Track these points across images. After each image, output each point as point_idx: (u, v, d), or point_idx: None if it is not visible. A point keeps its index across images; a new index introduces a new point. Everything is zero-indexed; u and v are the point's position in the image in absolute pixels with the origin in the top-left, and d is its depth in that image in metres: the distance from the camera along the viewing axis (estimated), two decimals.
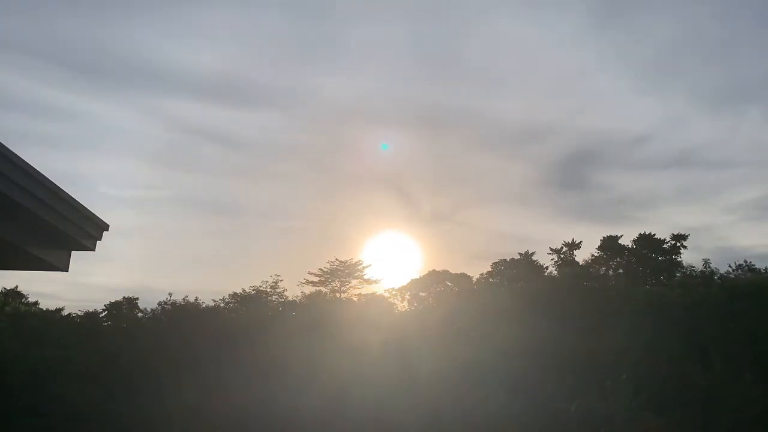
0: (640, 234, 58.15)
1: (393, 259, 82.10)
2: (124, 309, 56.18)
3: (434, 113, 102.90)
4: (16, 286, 55.84)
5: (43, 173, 5.48)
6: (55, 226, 5.93)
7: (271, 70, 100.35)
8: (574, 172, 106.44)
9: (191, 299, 51.55)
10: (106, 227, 6.74)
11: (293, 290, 68.92)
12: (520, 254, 62.81)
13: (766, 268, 51.48)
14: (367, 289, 59.61)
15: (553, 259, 60.58)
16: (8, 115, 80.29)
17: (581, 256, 59.80)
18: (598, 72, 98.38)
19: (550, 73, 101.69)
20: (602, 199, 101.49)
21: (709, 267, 48.91)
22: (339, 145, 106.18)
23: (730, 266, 51.99)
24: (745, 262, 52.39)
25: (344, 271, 59.78)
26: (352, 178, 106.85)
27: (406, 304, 62.89)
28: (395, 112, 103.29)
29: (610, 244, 58.32)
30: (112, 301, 58.25)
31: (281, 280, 54.20)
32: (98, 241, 6.79)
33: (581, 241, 60.71)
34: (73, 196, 5.95)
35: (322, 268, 59.68)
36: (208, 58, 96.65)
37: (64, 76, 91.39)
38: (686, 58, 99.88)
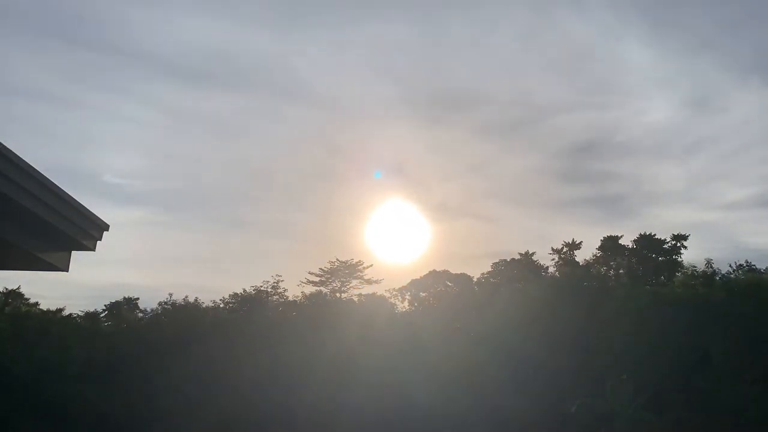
0: (640, 234, 58.11)
1: (396, 255, 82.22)
2: (124, 309, 56.15)
3: (439, 101, 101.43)
4: (18, 287, 55.83)
5: (43, 173, 5.48)
6: (55, 226, 5.93)
7: (273, 57, 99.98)
8: (584, 164, 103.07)
9: (191, 299, 51.57)
10: (106, 227, 6.74)
11: (294, 290, 68.88)
12: (520, 254, 62.79)
13: (766, 268, 51.53)
14: (367, 289, 59.60)
15: (553, 259, 60.57)
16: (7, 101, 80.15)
17: (582, 256, 59.82)
18: (616, 51, 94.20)
19: (560, 54, 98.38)
20: (614, 194, 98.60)
21: (711, 267, 48.89)
22: (340, 137, 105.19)
23: (731, 266, 51.99)
24: (747, 262, 52.43)
25: (344, 271, 59.72)
26: (354, 169, 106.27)
27: (406, 304, 62.90)
28: (400, 104, 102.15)
29: (610, 244, 58.26)
30: (113, 301, 58.29)
31: (282, 280, 54.23)
32: (98, 241, 6.79)
33: (581, 242, 60.70)
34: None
35: (323, 267, 59.65)
36: (205, 41, 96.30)
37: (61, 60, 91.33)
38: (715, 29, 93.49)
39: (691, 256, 59.49)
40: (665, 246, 57.12)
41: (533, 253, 62.21)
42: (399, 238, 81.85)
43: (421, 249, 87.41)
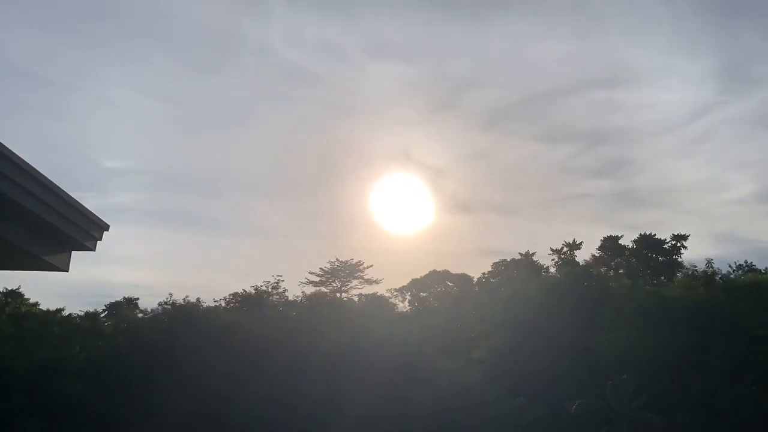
0: (640, 234, 58.14)
1: (400, 247, 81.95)
2: (124, 309, 56.14)
3: (443, 86, 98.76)
4: (18, 287, 55.80)
5: (43, 173, 5.49)
6: (55, 226, 5.93)
7: (272, 44, 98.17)
8: (589, 152, 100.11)
9: (192, 299, 51.49)
10: (106, 227, 6.74)
11: (294, 290, 68.79)
12: (520, 254, 62.82)
13: (766, 268, 51.55)
14: (367, 290, 59.63)
15: (553, 260, 60.56)
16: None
17: (582, 256, 59.81)
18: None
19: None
20: (619, 188, 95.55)
21: (711, 267, 48.87)
22: (342, 128, 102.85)
23: (730, 266, 52.05)
24: (746, 262, 52.48)
25: (345, 271, 59.78)
26: (357, 161, 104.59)
27: (406, 304, 62.93)
28: (404, 90, 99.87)
29: (610, 244, 58.27)
30: (113, 301, 58.35)
31: (282, 280, 54.27)
32: (98, 241, 6.79)
33: (582, 242, 60.75)
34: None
35: (323, 267, 59.73)
36: (202, 25, 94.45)
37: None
38: None
39: (695, 253, 58.38)
40: (665, 246, 57.14)
41: (533, 253, 62.30)
42: (403, 226, 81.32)
43: (424, 241, 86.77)
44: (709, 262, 49.10)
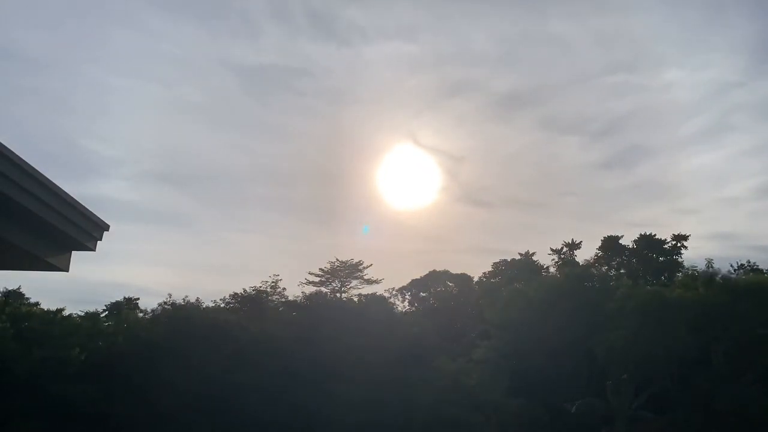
0: (640, 234, 58.20)
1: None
2: (124, 309, 56.15)
3: (453, 72, 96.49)
4: (18, 287, 55.81)
5: (43, 173, 5.48)
6: (55, 226, 5.94)
7: (271, 28, 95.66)
8: (597, 145, 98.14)
9: (192, 299, 51.43)
10: (106, 227, 6.75)
11: (294, 290, 68.74)
12: (520, 254, 62.85)
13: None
14: (367, 290, 59.58)
15: (553, 260, 60.59)
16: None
17: (582, 256, 59.84)
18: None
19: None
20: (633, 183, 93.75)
21: (712, 267, 48.88)
22: (345, 119, 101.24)
23: (731, 266, 52.08)
24: (748, 262, 52.53)
25: (344, 271, 59.72)
26: (360, 153, 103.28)
27: (406, 303, 62.97)
28: (411, 78, 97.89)
29: (610, 244, 58.30)
30: (113, 301, 58.38)
31: (280, 280, 54.22)
32: (98, 241, 6.80)
33: (581, 241, 60.78)
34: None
35: (323, 268, 59.67)
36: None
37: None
38: None
39: (696, 253, 58.04)
40: (665, 246, 57.17)
41: (533, 253, 62.34)
42: (404, 216, 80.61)
43: (423, 237, 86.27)
44: (709, 262, 49.13)
